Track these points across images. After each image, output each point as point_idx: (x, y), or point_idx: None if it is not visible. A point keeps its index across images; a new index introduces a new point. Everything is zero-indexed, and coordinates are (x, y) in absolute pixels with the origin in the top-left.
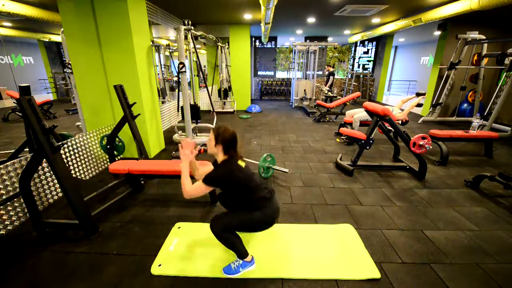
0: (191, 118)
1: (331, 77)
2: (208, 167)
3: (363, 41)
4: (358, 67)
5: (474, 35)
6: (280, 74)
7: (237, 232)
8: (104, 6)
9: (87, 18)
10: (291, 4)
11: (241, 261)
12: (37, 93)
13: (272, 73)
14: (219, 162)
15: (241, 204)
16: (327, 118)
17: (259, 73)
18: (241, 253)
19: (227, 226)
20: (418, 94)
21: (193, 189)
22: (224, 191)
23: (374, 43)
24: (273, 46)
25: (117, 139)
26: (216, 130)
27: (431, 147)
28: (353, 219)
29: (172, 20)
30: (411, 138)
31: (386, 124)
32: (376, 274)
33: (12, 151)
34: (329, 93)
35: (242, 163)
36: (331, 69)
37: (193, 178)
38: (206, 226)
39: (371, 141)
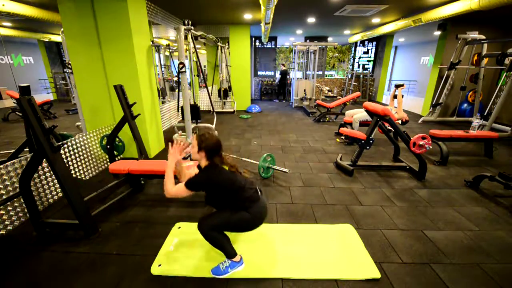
0: (191, 118)
1: (280, 77)
2: (193, 171)
3: (363, 41)
4: (358, 67)
5: (474, 35)
6: None
7: (226, 232)
8: (104, 6)
9: (87, 18)
10: (291, 4)
11: (229, 262)
12: (37, 93)
13: (272, 73)
14: (202, 167)
15: (226, 205)
16: (327, 118)
17: (259, 73)
18: (230, 253)
19: (215, 226)
20: (397, 86)
21: (175, 190)
22: (208, 194)
23: (374, 43)
24: (273, 46)
25: (117, 139)
26: (199, 137)
27: (431, 147)
28: (353, 219)
29: (172, 20)
30: (411, 138)
31: (386, 124)
32: (376, 274)
33: (12, 151)
34: (329, 93)
35: (226, 167)
36: (284, 68)
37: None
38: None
39: (371, 141)
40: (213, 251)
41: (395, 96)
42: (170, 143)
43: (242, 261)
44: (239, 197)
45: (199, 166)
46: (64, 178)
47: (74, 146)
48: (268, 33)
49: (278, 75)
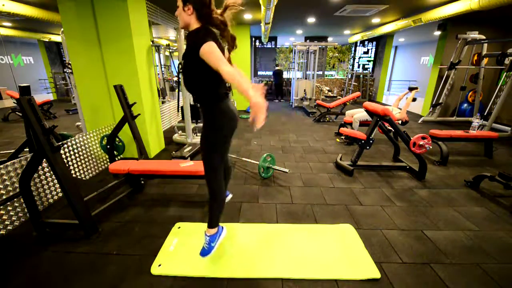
0: (191, 118)
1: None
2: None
3: (363, 41)
4: (358, 67)
5: (474, 35)
6: None
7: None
8: (104, 6)
9: (87, 18)
10: (291, 4)
11: (208, 237)
12: (37, 93)
13: (272, 73)
14: (192, 31)
15: (209, 89)
16: (327, 118)
17: (259, 73)
18: (213, 222)
19: (213, 149)
20: (410, 89)
21: (221, 66)
22: (196, 72)
23: (374, 43)
24: (273, 46)
25: (117, 139)
26: None
27: (431, 147)
28: (353, 219)
29: (172, 20)
30: (411, 138)
31: (386, 124)
32: (376, 274)
33: (12, 151)
34: (329, 93)
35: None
36: (278, 68)
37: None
38: (206, 226)
39: (371, 141)
40: (213, 251)
41: (413, 100)
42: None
43: (220, 228)
44: (221, 85)
45: (189, 35)
46: (64, 178)
47: (74, 146)
48: (268, 33)
49: (272, 76)
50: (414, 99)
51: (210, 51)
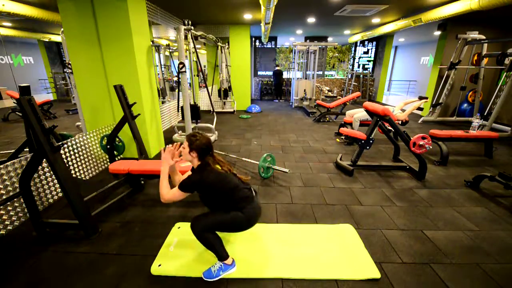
0: (191, 118)
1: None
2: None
3: (363, 41)
4: (358, 67)
5: (474, 35)
6: None
7: (218, 233)
8: (104, 6)
9: (87, 18)
10: (291, 4)
11: (220, 264)
12: (37, 93)
13: (272, 73)
14: (195, 168)
15: (221, 205)
16: (327, 118)
17: (259, 73)
18: (221, 255)
19: (208, 227)
20: (421, 98)
21: (170, 194)
22: (202, 195)
23: (374, 43)
24: (273, 46)
25: (117, 139)
26: (190, 137)
27: (431, 147)
28: (353, 219)
29: (172, 20)
30: (411, 138)
31: (386, 124)
32: (376, 274)
33: (12, 151)
34: (329, 93)
35: (218, 167)
36: (278, 68)
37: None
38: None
39: (371, 141)
40: None
41: (419, 108)
42: (162, 150)
43: (234, 263)
44: (232, 198)
45: (192, 168)
46: (64, 178)
47: (74, 146)
48: (268, 33)
49: (272, 76)
50: (421, 109)
51: (172, 193)
